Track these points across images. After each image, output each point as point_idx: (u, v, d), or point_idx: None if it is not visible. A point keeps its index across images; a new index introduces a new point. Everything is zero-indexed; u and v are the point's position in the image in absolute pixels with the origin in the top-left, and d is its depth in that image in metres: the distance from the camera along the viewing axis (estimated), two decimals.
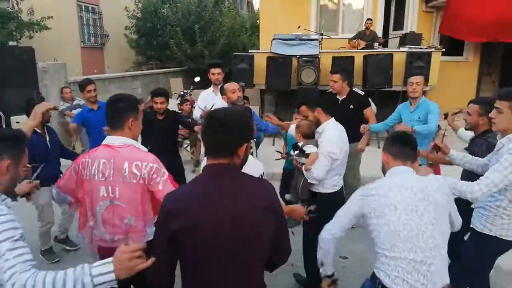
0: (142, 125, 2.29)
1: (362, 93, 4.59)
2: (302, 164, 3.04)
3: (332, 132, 3.01)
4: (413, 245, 1.81)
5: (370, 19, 9.15)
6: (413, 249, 1.81)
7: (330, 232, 2.12)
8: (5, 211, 1.47)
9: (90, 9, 13.39)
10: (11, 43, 9.24)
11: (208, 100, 4.42)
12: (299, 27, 8.71)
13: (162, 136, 4.25)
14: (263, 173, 2.38)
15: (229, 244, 1.42)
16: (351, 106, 4.43)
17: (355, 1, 10.49)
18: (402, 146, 2.07)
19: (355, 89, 4.63)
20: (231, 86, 3.92)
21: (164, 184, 2.12)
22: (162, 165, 2.18)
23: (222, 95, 3.96)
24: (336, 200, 2.94)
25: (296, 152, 3.09)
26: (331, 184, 3.06)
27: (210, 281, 1.47)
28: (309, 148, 3.04)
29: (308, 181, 3.03)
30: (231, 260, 1.44)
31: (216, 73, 4.56)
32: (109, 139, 2.18)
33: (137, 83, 11.00)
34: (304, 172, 3.00)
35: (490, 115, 2.44)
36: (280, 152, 3.63)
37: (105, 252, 2.13)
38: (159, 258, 1.45)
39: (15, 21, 9.14)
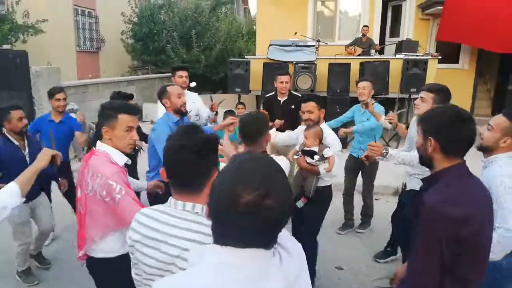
0: None
1: (300, 95, 4.94)
2: (318, 166, 3.14)
3: (332, 134, 3.28)
4: None
5: (367, 26, 9.13)
6: None
7: None
8: None
9: (86, 13, 13.33)
10: (5, 46, 9.14)
11: None
12: (295, 33, 8.68)
13: None
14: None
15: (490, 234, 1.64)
16: (292, 107, 4.69)
17: (352, 8, 10.50)
18: None
19: (293, 91, 5.02)
20: (176, 89, 3.31)
21: (120, 201, 1.90)
22: (121, 181, 1.94)
23: (161, 99, 3.36)
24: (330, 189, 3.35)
25: (317, 157, 3.11)
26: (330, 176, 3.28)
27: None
28: (327, 152, 3.11)
29: (324, 179, 3.19)
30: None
31: (184, 76, 4.32)
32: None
33: (133, 88, 10.91)
34: (323, 173, 3.11)
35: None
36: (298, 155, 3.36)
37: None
38: (433, 265, 1.53)
39: (9, 23, 9.05)
